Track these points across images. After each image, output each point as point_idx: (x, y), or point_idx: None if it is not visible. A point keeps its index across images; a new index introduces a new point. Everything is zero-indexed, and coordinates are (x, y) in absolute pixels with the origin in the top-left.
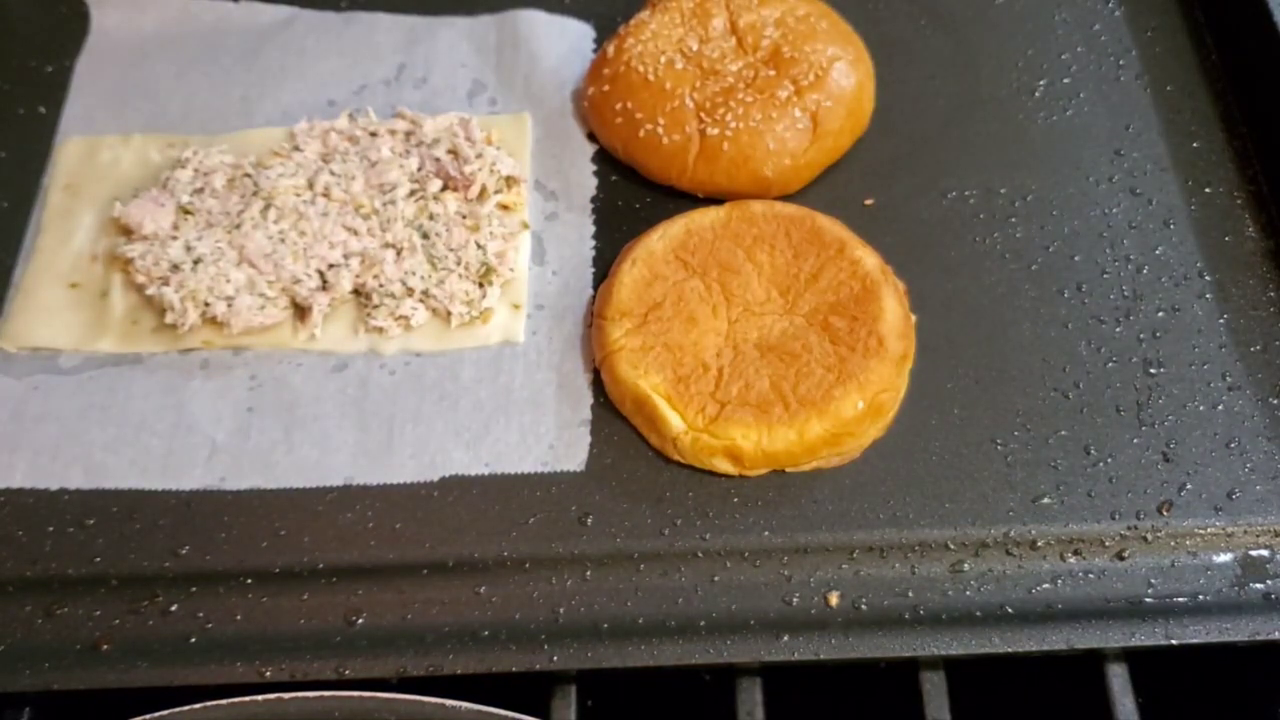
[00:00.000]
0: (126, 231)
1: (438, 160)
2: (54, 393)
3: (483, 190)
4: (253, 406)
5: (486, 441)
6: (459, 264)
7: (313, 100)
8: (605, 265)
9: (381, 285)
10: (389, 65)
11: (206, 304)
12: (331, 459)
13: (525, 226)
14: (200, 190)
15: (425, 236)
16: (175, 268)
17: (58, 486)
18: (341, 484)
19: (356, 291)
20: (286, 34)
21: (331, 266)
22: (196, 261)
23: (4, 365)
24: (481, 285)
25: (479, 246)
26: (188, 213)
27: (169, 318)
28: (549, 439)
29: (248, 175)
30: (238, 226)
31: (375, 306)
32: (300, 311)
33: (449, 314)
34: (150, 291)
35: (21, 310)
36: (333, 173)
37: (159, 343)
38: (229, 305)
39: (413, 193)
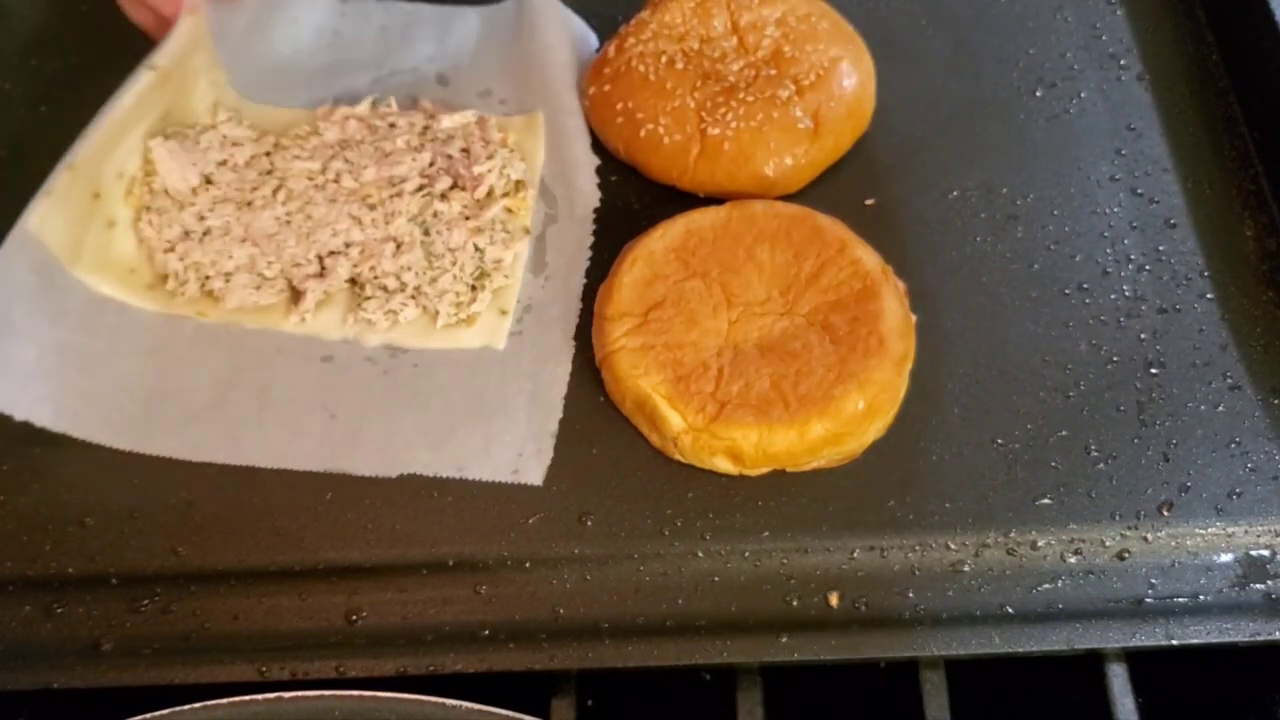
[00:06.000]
0: (150, 168)
1: (449, 157)
2: (36, 315)
3: (490, 192)
4: (233, 383)
5: (449, 445)
6: (454, 264)
7: (339, 84)
8: (603, 266)
9: (376, 277)
10: (417, 54)
11: (207, 276)
12: (299, 444)
13: (527, 233)
14: (224, 162)
15: (426, 233)
16: (185, 235)
17: (23, 417)
18: (305, 470)
19: (352, 281)
20: (324, 13)
21: (331, 254)
22: (205, 233)
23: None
24: (474, 289)
25: (477, 250)
26: (209, 182)
27: (169, 284)
28: (512, 450)
29: (267, 154)
30: (248, 204)
31: (368, 298)
32: (295, 294)
33: (437, 313)
34: (157, 257)
35: (55, 195)
36: (346, 160)
37: (151, 301)
38: (226, 280)
39: (420, 188)
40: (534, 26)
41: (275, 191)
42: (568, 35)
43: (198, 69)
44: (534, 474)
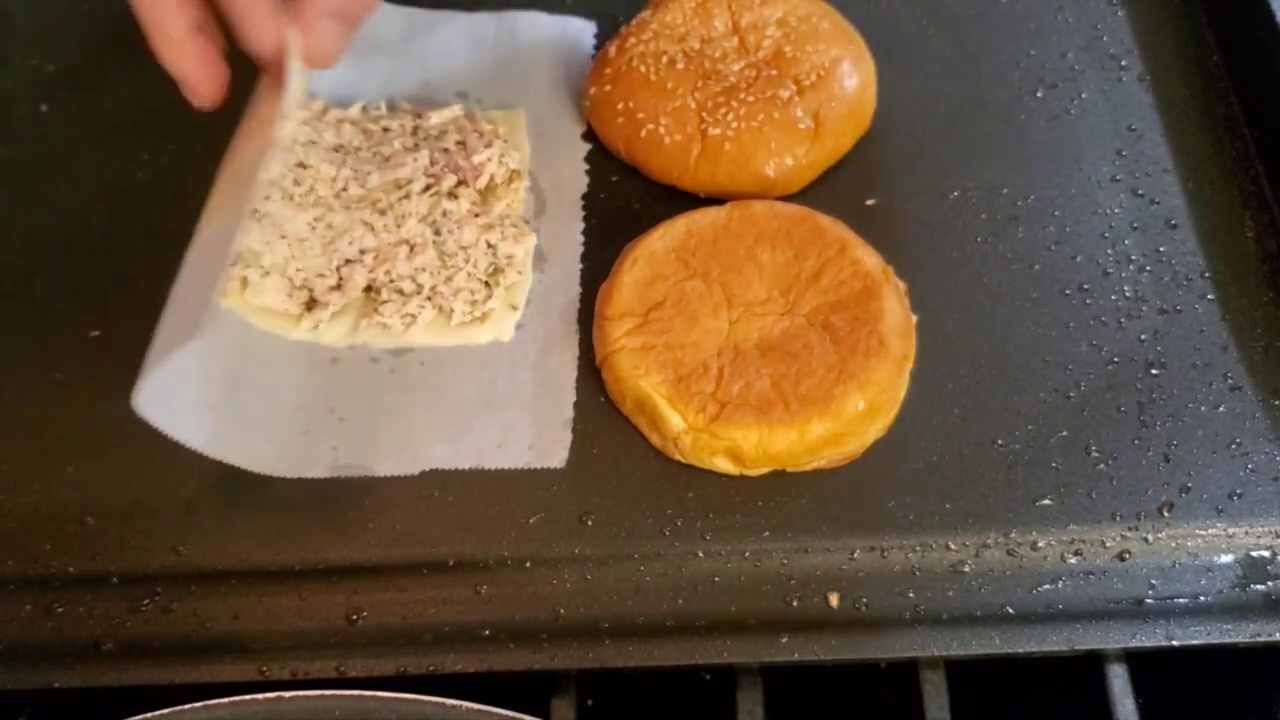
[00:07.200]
0: None
1: (447, 151)
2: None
3: (491, 182)
4: (241, 383)
5: (467, 438)
6: (467, 262)
7: (324, 87)
8: (603, 265)
9: (392, 281)
10: (388, 56)
11: (247, 265)
12: (314, 447)
13: (526, 223)
14: (313, 142)
15: (437, 233)
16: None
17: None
18: (320, 475)
19: (368, 287)
20: None
21: (348, 262)
22: (261, 215)
23: None
24: (488, 285)
25: (490, 246)
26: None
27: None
28: (529, 438)
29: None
30: (291, 198)
31: (384, 302)
32: (310, 303)
33: (451, 312)
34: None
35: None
36: (351, 168)
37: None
38: (263, 276)
39: (427, 187)
40: (515, 34)
41: (309, 193)
42: (551, 39)
43: None
44: (555, 458)
